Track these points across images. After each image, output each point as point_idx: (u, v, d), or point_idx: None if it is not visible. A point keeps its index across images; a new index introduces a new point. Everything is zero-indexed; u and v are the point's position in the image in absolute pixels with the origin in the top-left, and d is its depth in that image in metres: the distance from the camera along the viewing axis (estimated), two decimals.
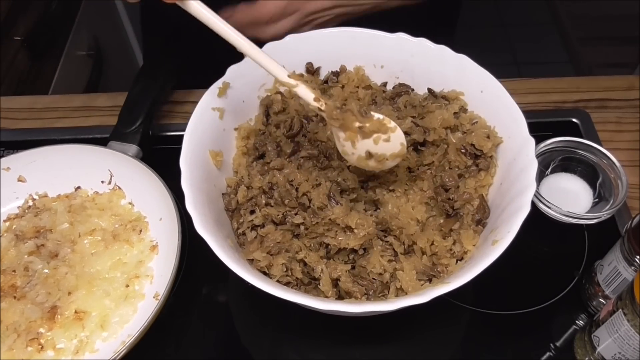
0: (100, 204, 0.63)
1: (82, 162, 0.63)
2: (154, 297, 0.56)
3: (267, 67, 0.47)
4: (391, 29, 0.59)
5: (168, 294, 0.53)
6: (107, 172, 0.63)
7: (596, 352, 0.50)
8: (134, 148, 0.64)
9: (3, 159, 0.62)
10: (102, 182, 0.64)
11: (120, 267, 0.58)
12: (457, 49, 0.58)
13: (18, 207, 0.63)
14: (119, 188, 0.63)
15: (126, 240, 0.59)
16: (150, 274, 0.58)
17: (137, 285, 0.57)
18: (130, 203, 0.63)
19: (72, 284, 0.56)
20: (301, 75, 0.59)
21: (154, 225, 0.61)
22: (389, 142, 0.48)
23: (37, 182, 0.63)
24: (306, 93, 0.47)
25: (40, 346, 0.53)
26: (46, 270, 0.57)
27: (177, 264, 0.54)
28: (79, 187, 0.64)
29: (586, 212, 0.60)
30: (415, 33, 0.59)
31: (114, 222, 0.61)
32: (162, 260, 0.58)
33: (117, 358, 0.50)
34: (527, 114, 0.53)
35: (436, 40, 0.58)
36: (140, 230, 0.60)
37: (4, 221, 0.62)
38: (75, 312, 0.55)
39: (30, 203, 0.63)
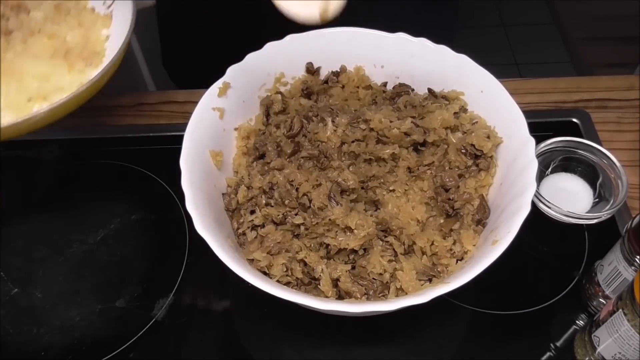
0: (83, 20, 0.60)
1: None
2: None
3: None
4: (392, 30, 0.59)
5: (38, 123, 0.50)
6: None
7: (596, 352, 0.50)
8: None
9: None
10: (104, 3, 0.61)
11: (42, 81, 0.55)
12: (457, 49, 0.58)
13: None
14: (111, 18, 0.61)
15: (70, 64, 0.56)
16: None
17: (37, 106, 0.54)
18: (107, 36, 0.60)
19: None
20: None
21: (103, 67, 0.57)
22: None
23: None
24: None
25: None
26: None
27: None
28: None
29: (586, 212, 0.60)
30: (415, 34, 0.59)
31: (78, 42, 0.58)
32: None
33: None
34: (527, 114, 0.53)
35: (436, 41, 0.58)
36: (90, 64, 0.57)
37: None
38: None
39: None
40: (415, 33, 0.59)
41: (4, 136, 0.49)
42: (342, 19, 0.60)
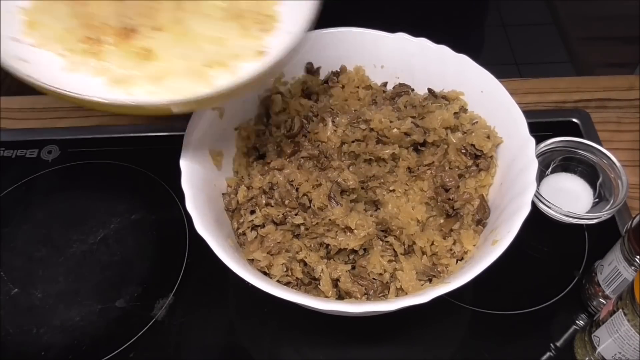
0: None
1: None
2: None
3: None
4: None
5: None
6: None
7: (596, 352, 0.50)
8: None
9: None
10: None
11: (217, 45, 0.49)
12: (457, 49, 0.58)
13: None
14: None
15: (243, 27, 0.50)
16: (237, 73, 0.47)
17: (215, 72, 0.48)
18: None
19: (165, 24, 0.48)
20: None
21: (278, 36, 0.50)
22: None
23: None
24: None
25: (97, 48, 0.47)
26: None
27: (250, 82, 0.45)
28: None
29: (586, 212, 0.60)
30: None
31: (251, 3, 0.52)
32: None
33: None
34: (527, 114, 0.53)
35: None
36: (264, 29, 0.51)
37: None
38: (143, 48, 0.47)
39: None
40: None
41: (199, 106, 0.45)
42: (345, 21, 0.60)
